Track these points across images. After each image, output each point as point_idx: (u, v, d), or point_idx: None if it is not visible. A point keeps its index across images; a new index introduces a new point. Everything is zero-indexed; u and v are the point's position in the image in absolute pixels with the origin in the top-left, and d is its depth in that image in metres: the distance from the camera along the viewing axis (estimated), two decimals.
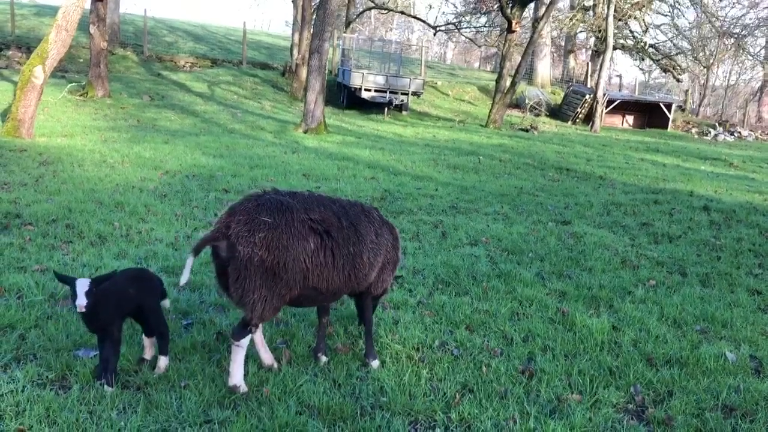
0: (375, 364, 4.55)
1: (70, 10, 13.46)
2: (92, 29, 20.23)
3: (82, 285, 3.67)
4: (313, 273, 3.96)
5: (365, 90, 25.73)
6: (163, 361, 4.21)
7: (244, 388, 4.03)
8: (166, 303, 4.40)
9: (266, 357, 4.39)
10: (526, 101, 30.60)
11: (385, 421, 3.85)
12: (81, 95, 20.40)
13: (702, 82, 46.05)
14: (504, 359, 4.78)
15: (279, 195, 4.04)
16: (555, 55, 48.17)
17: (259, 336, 4.32)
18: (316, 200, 4.13)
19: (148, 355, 4.32)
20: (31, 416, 3.60)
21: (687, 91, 41.84)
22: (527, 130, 25.16)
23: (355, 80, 25.66)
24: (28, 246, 6.63)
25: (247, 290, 3.77)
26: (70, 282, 3.73)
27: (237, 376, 4.01)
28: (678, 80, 41.25)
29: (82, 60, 25.54)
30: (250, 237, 3.72)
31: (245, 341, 3.95)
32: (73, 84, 20.87)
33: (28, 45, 25.93)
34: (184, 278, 3.75)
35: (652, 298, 6.32)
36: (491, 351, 4.92)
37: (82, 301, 3.65)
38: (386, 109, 26.31)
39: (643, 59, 41.16)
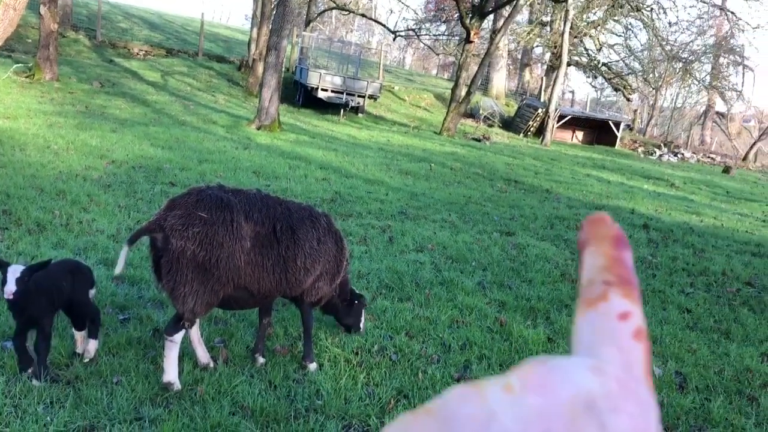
0: (312, 367, 4.56)
1: None
2: (42, 10, 19.60)
3: (14, 271, 3.53)
4: (245, 272, 3.98)
5: (322, 90, 25.65)
6: (92, 344, 4.15)
7: (177, 385, 3.99)
8: (92, 292, 4.28)
9: (202, 355, 4.35)
10: (480, 111, 31.01)
11: (318, 424, 3.87)
12: (27, 77, 19.74)
13: (651, 102, 47.52)
14: (441, 366, 4.85)
15: (221, 191, 4.04)
16: (511, 67, 49.03)
17: (195, 334, 4.29)
18: (259, 200, 4.14)
19: (80, 348, 4.23)
20: None
21: (636, 110, 43.13)
22: (480, 140, 25.50)
23: (312, 80, 25.57)
24: None
25: (178, 283, 3.81)
26: (1, 267, 3.59)
27: (171, 372, 3.98)
28: (628, 99, 42.43)
29: (30, 40, 24.73)
30: (184, 231, 3.77)
31: (178, 336, 3.94)
32: (20, 65, 20.18)
33: None
34: (118, 268, 3.79)
35: None
36: (429, 357, 4.99)
37: (11, 287, 3.49)
38: (342, 110, 26.29)
39: (595, 77, 42.21)
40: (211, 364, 4.36)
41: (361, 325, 5.18)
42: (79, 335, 4.20)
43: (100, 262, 6.14)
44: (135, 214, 7.96)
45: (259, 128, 18.22)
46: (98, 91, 20.49)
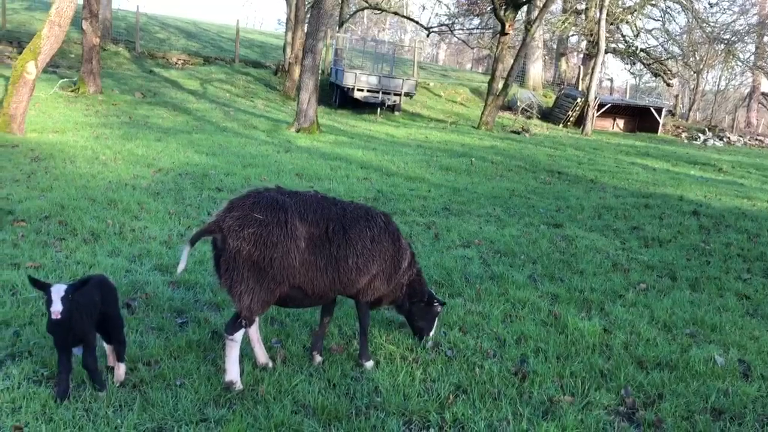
0: (369, 365, 4.58)
1: (63, 5, 13.39)
2: (85, 25, 20.14)
3: (58, 291, 3.55)
4: (300, 272, 4.06)
5: (358, 90, 25.73)
6: (122, 369, 4.11)
7: (239, 385, 4.06)
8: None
9: (261, 355, 4.41)
10: (518, 103, 30.70)
11: (379, 421, 3.89)
12: (72, 91, 20.29)
13: (692, 86, 46.37)
14: (497, 361, 4.83)
15: (278, 194, 4.14)
16: (547, 57, 48.38)
17: (255, 333, 4.36)
18: (315, 201, 4.22)
19: (111, 362, 4.19)
20: (27, 413, 3.61)
21: (677, 95, 42.15)
22: (519, 133, 25.26)
23: (348, 80, 25.66)
24: (21, 242, 6.62)
25: (234, 281, 3.94)
26: (44, 287, 3.59)
27: (233, 372, 4.06)
28: (668, 85, 41.49)
29: (73, 55, 25.39)
30: (241, 232, 3.90)
31: (238, 335, 4.02)
32: (65, 80, 20.76)
33: (18, 39, 25.76)
34: (181, 266, 3.94)
35: (643, 302, 6.38)
36: (484, 352, 4.96)
37: (57, 307, 3.50)
38: (379, 109, 26.33)
39: (634, 63, 41.36)
40: (270, 364, 4.41)
41: (432, 332, 5.05)
42: (110, 348, 4.18)
43: (155, 268, 6.27)
44: (185, 220, 8.11)
45: (298, 131, 18.37)
46: (140, 101, 20.93)
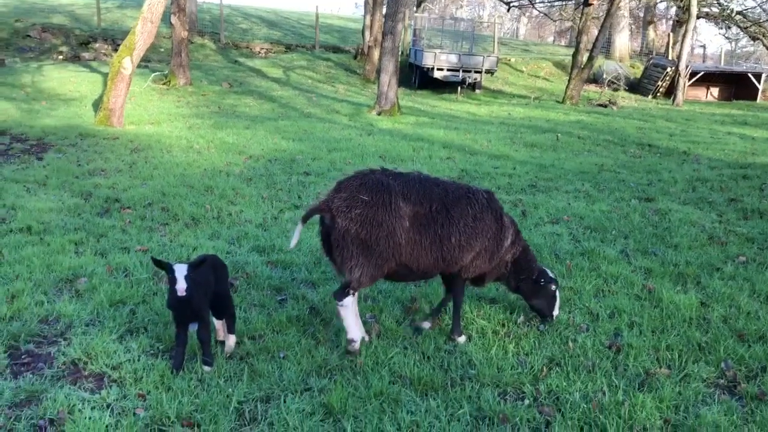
0: (461, 340, 4.69)
1: (154, 2, 14.02)
2: (173, 19, 20.97)
3: (180, 270, 3.79)
4: (405, 250, 4.24)
5: (438, 69, 25.62)
6: (231, 339, 4.37)
7: (357, 344, 4.33)
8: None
9: (359, 329, 4.58)
10: (604, 76, 29.72)
11: (474, 391, 3.99)
12: (164, 84, 21.22)
13: None
14: (590, 335, 4.82)
15: (382, 175, 4.34)
16: (633, 26, 46.46)
17: (354, 307, 4.54)
18: (418, 182, 4.39)
19: (220, 336, 4.45)
20: (148, 382, 3.92)
21: None
22: (606, 106, 24.50)
23: (428, 60, 25.59)
24: (128, 228, 7.08)
25: (345, 258, 4.18)
26: (167, 267, 3.84)
27: (353, 330, 4.34)
28: None
29: (163, 50, 26.50)
30: (348, 212, 4.12)
31: (347, 300, 4.26)
32: (157, 73, 21.72)
33: (113, 37, 27.12)
34: (293, 242, 4.28)
35: (743, 275, 6.17)
36: (577, 327, 4.97)
37: (182, 285, 3.75)
38: (459, 88, 26.13)
39: (729, 27, 39.16)
40: (366, 338, 4.59)
41: (555, 312, 4.94)
42: (219, 324, 4.44)
43: (253, 249, 6.58)
44: (277, 204, 8.42)
45: (379, 114, 18.54)
46: (228, 91, 21.65)
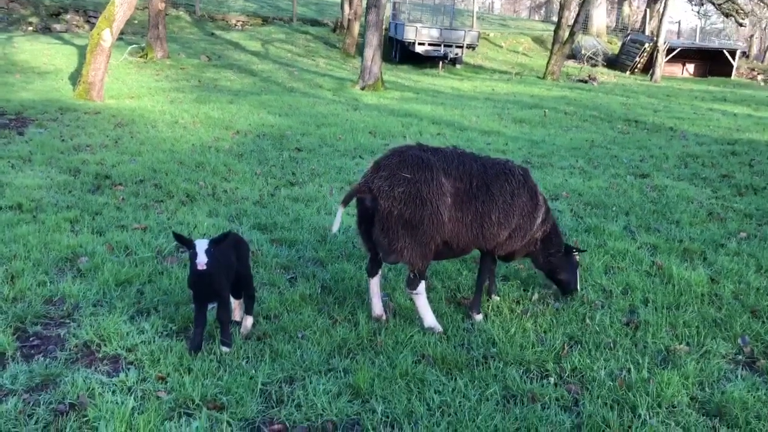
0: (479, 318, 4.63)
1: None
2: None
3: (202, 245, 3.68)
4: (448, 227, 4.13)
5: (419, 44, 25.40)
6: (249, 320, 4.26)
7: (438, 328, 4.33)
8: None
9: (378, 307, 4.51)
10: (582, 51, 29.78)
11: (499, 370, 3.94)
12: (141, 57, 20.71)
13: (765, 26, 43.99)
14: (606, 312, 4.80)
15: (421, 151, 4.20)
16: (608, 2, 46.50)
17: (375, 287, 4.47)
18: (456, 157, 4.27)
19: (237, 316, 4.35)
20: (167, 364, 3.79)
21: (752, 36, 40.03)
22: (586, 81, 24.58)
23: (409, 34, 25.35)
24: (122, 206, 6.88)
25: (392, 239, 4.06)
26: (189, 243, 3.73)
27: (428, 318, 4.32)
28: (741, 25, 39.38)
29: (137, 21, 25.81)
30: (391, 192, 3.98)
31: (420, 287, 4.23)
32: (134, 46, 21.16)
33: (84, 8, 26.35)
34: (335, 226, 4.13)
35: (747, 251, 6.21)
36: (591, 303, 4.95)
37: (203, 258, 3.63)
38: (441, 63, 25.95)
39: (702, 3, 39.44)
40: (384, 317, 4.51)
41: (578, 284, 5.00)
42: (237, 303, 4.34)
43: (254, 227, 6.43)
44: (272, 180, 8.26)
45: (363, 88, 18.34)
46: (207, 64, 21.22)
